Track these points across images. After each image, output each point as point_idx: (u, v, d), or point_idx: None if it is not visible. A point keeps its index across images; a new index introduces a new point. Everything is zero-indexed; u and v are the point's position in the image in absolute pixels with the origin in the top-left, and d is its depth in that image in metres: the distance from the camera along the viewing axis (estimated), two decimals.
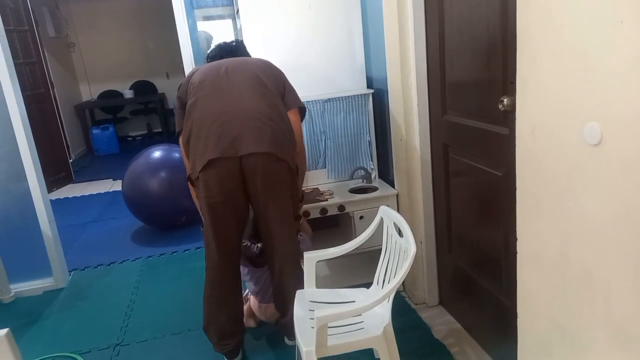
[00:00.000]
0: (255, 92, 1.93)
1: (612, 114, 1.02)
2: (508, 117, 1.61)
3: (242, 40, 2.30)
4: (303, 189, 2.63)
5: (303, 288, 2.00)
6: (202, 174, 1.87)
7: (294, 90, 2.10)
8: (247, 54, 2.23)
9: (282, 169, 1.92)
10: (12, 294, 2.98)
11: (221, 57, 2.12)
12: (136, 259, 3.42)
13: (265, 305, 2.27)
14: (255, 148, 1.85)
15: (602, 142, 1.05)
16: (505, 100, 1.56)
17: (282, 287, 2.08)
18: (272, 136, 1.88)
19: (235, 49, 2.18)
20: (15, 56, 2.98)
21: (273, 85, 2.00)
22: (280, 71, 2.09)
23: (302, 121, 2.14)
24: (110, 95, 7.90)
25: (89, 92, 7.94)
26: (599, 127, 1.05)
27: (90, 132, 7.38)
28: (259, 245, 2.13)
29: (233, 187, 1.89)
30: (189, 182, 2.01)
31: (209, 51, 2.28)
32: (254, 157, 1.86)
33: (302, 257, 2.08)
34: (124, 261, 3.41)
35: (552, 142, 1.21)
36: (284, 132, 1.94)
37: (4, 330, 1.59)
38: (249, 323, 2.38)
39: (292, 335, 2.16)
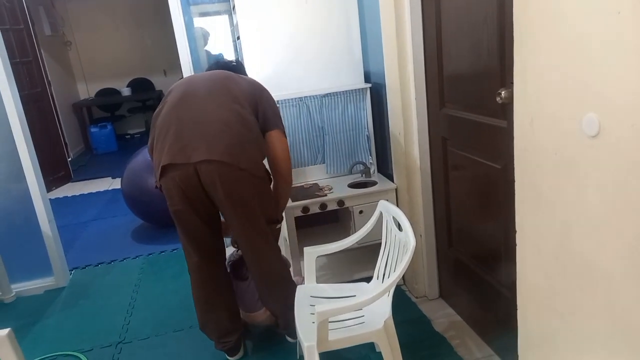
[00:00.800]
0: (216, 99, 1.86)
1: (610, 105, 1.02)
2: (506, 110, 1.61)
3: (242, 62, 2.27)
4: (302, 184, 2.64)
5: (290, 296, 1.98)
6: (162, 182, 1.83)
7: (276, 111, 2.01)
8: (243, 74, 2.17)
9: (243, 179, 1.82)
10: (14, 293, 2.98)
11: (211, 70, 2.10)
12: (137, 256, 3.43)
13: (252, 315, 2.23)
14: (208, 155, 1.76)
15: (600, 133, 1.05)
16: (503, 92, 1.56)
17: (266, 298, 2.08)
18: (228, 143, 1.78)
19: (229, 66, 2.14)
20: (11, 55, 2.97)
21: (244, 96, 1.90)
22: (264, 91, 2.01)
23: (288, 149, 2.03)
24: (108, 93, 7.88)
25: (86, 91, 7.92)
26: (597, 118, 1.05)
27: (89, 130, 7.36)
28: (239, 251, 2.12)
29: (192, 194, 1.82)
30: (157, 189, 1.94)
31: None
32: (208, 165, 1.77)
33: (286, 266, 2.08)
34: (124, 259, 3.41)
35: (550, 133, 1.21)
36: (245, 140, 1.82)
37: (6, 330, 1.59)
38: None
39: (293, 335, 2.17)
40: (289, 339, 2.22)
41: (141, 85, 7.96)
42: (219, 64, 2.17)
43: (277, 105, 2.07)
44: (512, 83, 1.33)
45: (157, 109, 1.95)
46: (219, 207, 1.89)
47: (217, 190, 1.80)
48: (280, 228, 2.05)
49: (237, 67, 2.18)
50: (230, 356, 2.15)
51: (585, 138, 1.09)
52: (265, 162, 1.97)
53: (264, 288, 2.06)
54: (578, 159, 1.13)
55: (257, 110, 1.93)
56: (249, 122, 1.86)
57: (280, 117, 2.04)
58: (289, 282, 2.07)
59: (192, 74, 2.98)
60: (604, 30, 1.00)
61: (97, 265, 3.36)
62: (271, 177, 1.97)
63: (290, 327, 2.12)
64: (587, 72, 1.07)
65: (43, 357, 2.37)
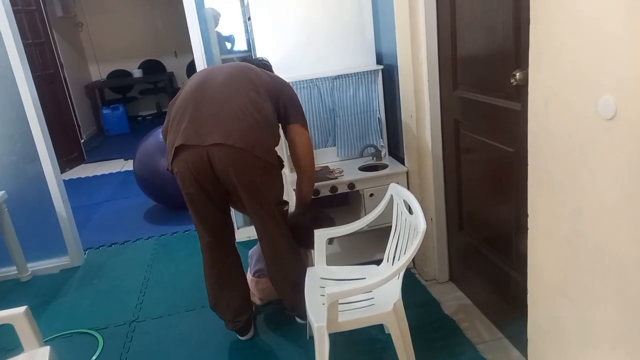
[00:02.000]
0: (234, 84, 1.87)
1: (627, 87, 1.00)
2: (521, 92, 1.58)
3: (270, 64, 2.26)
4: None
5: (298, 277, 2.01)
6: (174, 164, 1.84)
7: (297, 106, 2.01)
8: (269, 70, 2.16)
9: (255, 165, 1.82)
10: (30, 272, 3.04)
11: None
12: (149, 237, 3.47)
13: (263, 280, 2.26)
14: (222, 139, 1.76)
15: (616, 116, 1.03)
16: (518, 74, 1.53)
17: (275, 276, 2.10)
18: (243, 129, 1.78)
19: (255, 62, 2.14)
20: (23, 37, 2.98)
21: (263, 86, 1.91)
22: (286, 86, 2.02)
23: (310, 142, 2.04)
24: (120, 75, 7.89)
25: (98, 72, 7.94)
26: (613, 100, 1.03)
27: (101, 112, 7.41)
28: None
29: (203, 177, 1.83)
30: (169, 171, 1.96)
31: None
32: (221, 149, 1.77)
33: (295, 247, 2.08)
34: (137, 240, 3.46)
35: (565, 116, 1.19)
36: (260, 127, 1.82)
37: (23, 308, 1.63)
38: (255, 300, 2.42)
39: (303, 316, 2.19)
40: (298, 320, 2.24)
41: (152, 67, 7.96)
42: (247, 59, 2.20)
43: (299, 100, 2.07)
44: (528, 64, 1.31)
45: (175, 97, 1.96)
46: (229, 190, 1.91)
47: (229, 174, 1.81)
48: (288, 209, 2.07)
49: (267, 66, 2.19)
50: (241, 336, 2.19)
51: (600, 121, 1.08)
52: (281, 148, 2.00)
53: (273, 266, 2.08)
54: (592, 142, 1.12)
55: (277, 102, 1.94)
56: (265, 108, 1.86)
57: (302, 113, 2.03)
58: (297, 262, 2.09)
59: (203, 55, 2.95)
60: (621, 10, 0.98)
61: (111, 246, 3.41)
62: (282, 162, 1.98)
63: (298, 308, 2.15)
64: (603, 52, 1.04)
65: (59, 334, 2.43)
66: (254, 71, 1.96)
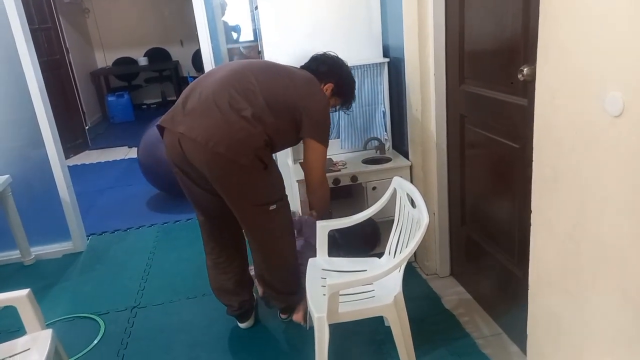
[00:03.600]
0: (225, 83, 1.80)
1: (634, 84, 0.99)
2: (528, 88, 1.57)
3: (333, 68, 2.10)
4: None
5: (293, 283, 2.06)
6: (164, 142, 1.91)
7: (319, 121, 1.90)
8: (324, 77, 2.04)
9: (217, 161, 1.75)
10: (33, 256, 3.06)
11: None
12: (152, 225, 3.49)
13: None
14: (187, 131, 1.74)
15: (623, 113, 1.03)
16: (526, 69, 1.53)
17: (261, 273, 2.11)
18: (209, 125, 1.74)
19: (317, 61, 2.09)
20: (30, 21, 2.97)
21: (271, 91, 1.82)
22: (315, 98, 1.91)
23: (321, 159, 1.95)
24: (125, 63, 7.89)
25: (103, 59, 7.93)
26: (621, 97, 1.02)
27: (106, 99, 7.41)
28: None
29: (180, 162, 1.84)
30: None
31: None
32: (187, 142, 1.76)
33: (287, 249, 2.04)
34: (140, 227, 3.47)
35: (572, 112, 1.19)
36: (231, 121, 1.73)
37: (25, 291, 1.65)
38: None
39: (285, 310, 2.20)
40: (280, 315, 2.23)
41: (158, 55, 7.95)
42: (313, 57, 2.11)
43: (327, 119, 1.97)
44: (535, 60, 1.30)
45: None
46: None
47: (199, 165, 1.80)
48: (280, 209, 1.92)
49: (314, 69, 2.03)
50: (241, 322, 2.20)
51: (607, 117, 1.07)
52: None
53: (255, 259, 2.08)
54: (599, 139, 1.11)
55: (294, 111, 1.85)
56: (246, 109, 1.75)
57: (323, 130, 1.94)
58: (286, 264, 2.04)
59: (209, 44, 2.94)
60: (630, 6, 0.97)
61: (114, 232, 3.43)
62: (267, 164, 1.82)
63: (282, 303, 2.17)
64: (612, 49, 1.04)
65: (61, 318, 2.45)
66: (286, 70, 1.92)
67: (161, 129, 1.90)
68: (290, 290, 2.11)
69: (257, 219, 1.92)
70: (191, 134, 1.75)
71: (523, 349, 1.75)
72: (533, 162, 1.39)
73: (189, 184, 1.92)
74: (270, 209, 1.88)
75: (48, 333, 1.63)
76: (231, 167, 1.77)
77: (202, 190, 1.91)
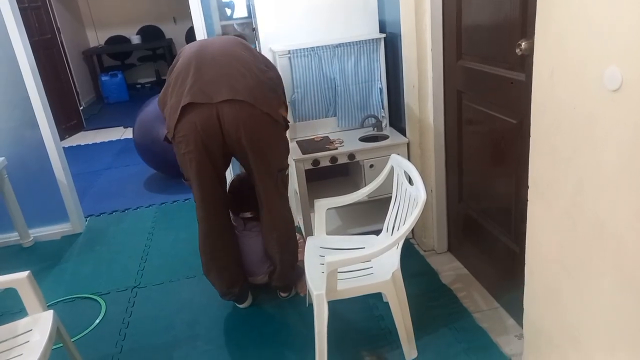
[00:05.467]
0: (234, 50, 1.89)
1: (634, 58, 0.98)
2: (525, 62, 1.56)
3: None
4: (313, 137, 2.63)
5: (292, 248, 2.09)
6: (177, 129, 1.81)
7: (278, 79, 2.02)
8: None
9: (264, 122, 1.84)
10: (32, 238, 3.07)
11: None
12: (149, 205, 3.49)
13: (251, 279, 2.26)
14: (232, 95, 1.76)
15: (622, 87, 1.02)
16: (524, 44, 1.51)
17: (271, 244, 2.11)
18: (251, 85, 1.80)
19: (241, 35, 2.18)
20: (19, 0, 2.91)
21: (254, 58, 1.93)
22: (270, 61, 2.06)
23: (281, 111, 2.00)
24: (118, 41, 7.76)
25: (95, 38, 7.80)
26: (619, 71, 1.01)
27: (99, 79, 7.32)
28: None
29: (209, 138, 1.81)
30: (165, 141, 1.95)
31: None
32: (232, 106, 1.77)
33: (292, 218, 2.12)
34: (137, 208, 3.48)
35: (570, 87, 1.18)
36: (265, 84, 1.85)
37: (26, 272, 1.66)
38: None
39: (285, 289, 2.24)
40: (281, 294, 2.26)
41: (151, 33, 7.82)
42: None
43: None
44: (534, 34, 1.28)
45: (172, 66, 1.95)
46: (235, 151, 1.90)
47: (239, 131, 1.81)
48: (288, 176, 2.09)
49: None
50: (239, 304, 2.23)
51: (606, 92, 1.06)
52: None
53: (270, 233, 2.09)
54: (597, 114, 1.11)
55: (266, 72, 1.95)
56: (267, 74, 1.89)
57: (284, 91, 2.07)
58: (293, 233, 2.13)
59: (202, 21, 2.91)
60: None
61: (112, 213, 3.43)
62: (288, 123, 2.00)
63: (284, 280, 2.20)
64: (611, 22, 1.02)
65: (62, 299, 2.47)
66: (246, 45, 1.98)
67: (184, 110, 1.78)
68: (294, 263, 2.18)
69: (279, 186, 2.02)
70: (238, 97, 1.77)
71: (520, 322, 1.78)
72: (530, 138, 1.38)
73: (205, 167, 1.88)
74: (286, 174, 2.04)
75: (49, 314, 1.65)
76: (272, 126, 1.88)
77: (215, 176, 1.93)
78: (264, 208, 2.05)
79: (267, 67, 1.97)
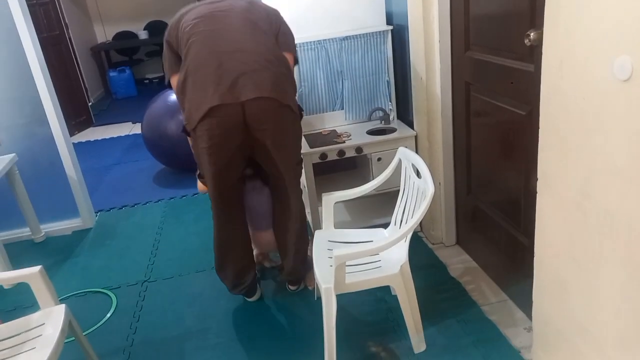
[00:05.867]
0: (251, 36, 1.84)
1: None
2: (534, 53, 1.54)
3: None
4: (320, 130, 2.63)
5: (303, 243, 2.10)
6: (200, 125, 1.80)
7: (290, 34, 1.99)
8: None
9: (286, 115, 1.87)
10: (43, 233, 3.11)
11: None
12: (159, 200, 3.51)
13: (259, 234, 2.25)
14: (258, 92, 1.77)
15: (632, 77, 1.01)
16: (532, 34, 1.49)
17: (283, 236, 2.12)
18: (273, 80, 1.80)
19: None
20: None
21: (268, 27, 1.89)
22: (277, 12, 1.98)
23: (293, 69, 2.01)
24: (125, 37, 7.78)
25: (103, 34, 7.83)
26: (630, 61, 1.00)
27: (108, 74, 7.35)
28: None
29: (235, 136, 1.82)
30: (184, 133, 1.94)
31: None
32: (258, 103, 1.78)
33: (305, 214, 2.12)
34: (147, 202, 3.50)
35: (580, 77, 1.17)
36: (284, 75, 1.87)
37: (38, 267, 1.68)
38: (264, 263, 2.47)
39: (295, 283, 2.26)
40: (290, 287, 2.27)
41: (158, 28, 7.82)
42: None
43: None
44: (542, 24, 1.27)
45: (183, 45, 1.87)
46: (258, 145, 1.88)
47: (262, 127, 1.83)
48: (302, 168, 2.12)
49: None
50: (249, 297, 2.24)
51: (616, 83, 1.05)
52: None
53: (292, 224, 2.09)
54: (607, 105, 1.09)
55: (277, 34, 1.93)
56: (285, 59, 1.90)
57: (295, 42, 2.04)
58: (304, 228, 2.13)
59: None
60: None
61: (122, 208, 3.46)
62: (302, 112, 2.03)
63: (296, 274, 2.21)
64: (621, 11, 1.01)
65: (74, 293, 2.50)
66: (253, 12, 1.90)
67: (211, 110, 1.76)
68: (306, 256, 2.19)
69: (298, 178, 2.06)
70: (264, 94, 1.78)
71: (529, 315, 1.77)
72: (540, 129, 1.37)
73: (229, 169, 1.89)
74: (302, 166, 2.10)
75: (61, 308, 1.67)
76: (293, 118, 1.92)
77: (234, 171, 1.94)
78: (285, 201, 2.06)
79: (277, 24, 1.93)
